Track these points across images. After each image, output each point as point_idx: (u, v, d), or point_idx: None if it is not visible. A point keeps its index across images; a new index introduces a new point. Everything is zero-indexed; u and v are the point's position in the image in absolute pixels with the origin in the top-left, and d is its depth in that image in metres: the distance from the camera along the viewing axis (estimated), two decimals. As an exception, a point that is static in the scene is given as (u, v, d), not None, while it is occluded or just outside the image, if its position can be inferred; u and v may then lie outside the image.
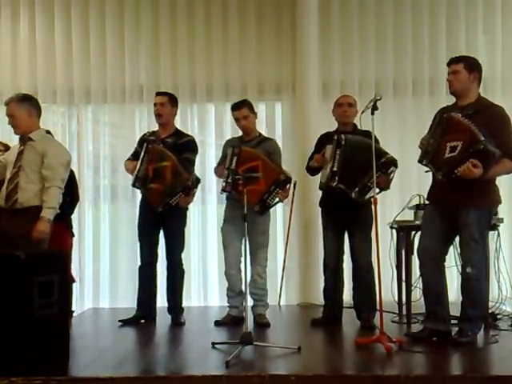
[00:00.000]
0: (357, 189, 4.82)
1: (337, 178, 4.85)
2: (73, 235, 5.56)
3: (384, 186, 4.90)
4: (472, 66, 4.40)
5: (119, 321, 5.27)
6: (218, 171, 5.39)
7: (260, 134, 5.40)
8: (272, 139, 5.52)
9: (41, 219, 4.37)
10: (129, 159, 5.43)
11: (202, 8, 6.59)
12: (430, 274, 4.45)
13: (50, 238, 5.10)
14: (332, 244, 5.08)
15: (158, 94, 5.44)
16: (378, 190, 4.76)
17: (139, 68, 6.61)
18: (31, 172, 4.44)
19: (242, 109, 5.23)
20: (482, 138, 4.09)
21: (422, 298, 4.65)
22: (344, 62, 6.57)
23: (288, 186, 5.09)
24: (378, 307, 4.56)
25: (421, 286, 4.64)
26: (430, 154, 4.32)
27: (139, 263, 5.38)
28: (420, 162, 4.41)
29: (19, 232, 4.31)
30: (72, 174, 5.41)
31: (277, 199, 5.03)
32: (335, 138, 4.91)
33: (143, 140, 5.32)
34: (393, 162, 4.88)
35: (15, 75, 6.64)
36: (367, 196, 4.84)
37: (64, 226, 5.29)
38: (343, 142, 4.87)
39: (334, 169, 4.86)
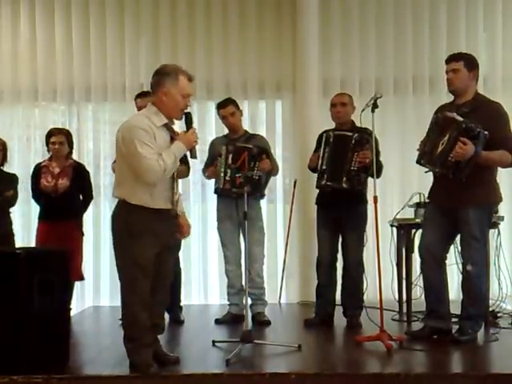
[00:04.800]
0: (344, 178, 4.79)
1: (325, 176, 4.87)
2: (82, 234, 5.53)
3: (365, 160, 4.71)
4: (471, 64, 4.38)
5: (120, 319, 5.26)
6: (207, 172, 5.28)
7: (246, 132, 5.39)
8: (259, 134, 5.53)
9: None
10: None
11: (203, 6, 6.60)
12: (432, 272, 4.45)
13: (58, 236, 5.08)
14: (326, 242, 5.06)
15: (142, 95, 5.14)
16: (369, 187, 4.79)
17: (139, 66, 6.60)
18: None
19: (228, 106, 5.22)
20: (461, 119, 4.11)
21: (423, 296, 4.67)
22: (344, 60, 6.56)
23: (263, 156, 5.02)
24: (363, 305, 4.77)
25: (421, 284, 4.65)
26: (427, 155, 4.32)
27: None
28: (418, 162, 4.41)
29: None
30: (87, 172, 5.47)
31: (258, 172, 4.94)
32: (323, 136, 4.95)
33: None
34: (360, 138, 4.78)
35: (15, 73, 6.64)
36: (359, 182, 4.80)
37: (75, 225, 5.33)
38: (331, 140, 4.89)
39: (323, 167, 4.89)
